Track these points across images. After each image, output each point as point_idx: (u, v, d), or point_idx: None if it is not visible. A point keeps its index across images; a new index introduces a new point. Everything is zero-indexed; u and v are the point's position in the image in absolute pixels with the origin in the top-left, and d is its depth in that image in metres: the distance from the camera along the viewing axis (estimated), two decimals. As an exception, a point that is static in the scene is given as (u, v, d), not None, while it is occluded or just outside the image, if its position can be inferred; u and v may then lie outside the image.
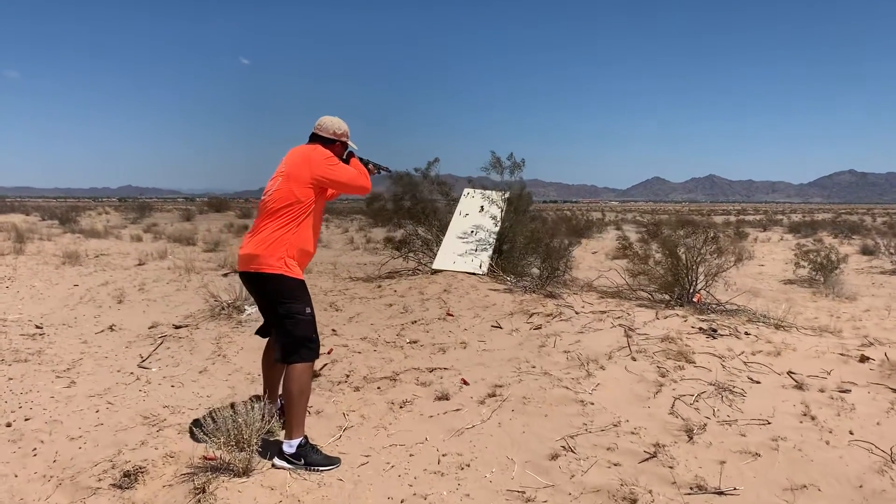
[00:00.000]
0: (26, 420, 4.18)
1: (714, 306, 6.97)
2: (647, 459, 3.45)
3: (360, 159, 4.16)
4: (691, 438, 3.64)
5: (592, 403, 4.15)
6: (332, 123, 3.93)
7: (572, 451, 3.57)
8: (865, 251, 20.03)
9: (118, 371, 5.33)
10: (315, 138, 3.92)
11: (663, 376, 4.54)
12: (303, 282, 3.69)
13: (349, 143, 4.04)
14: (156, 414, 4.30)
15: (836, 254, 13.89)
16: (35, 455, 3.69)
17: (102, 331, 6.72)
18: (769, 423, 3.81)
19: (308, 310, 3.63)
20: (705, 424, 3.78)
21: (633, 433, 3.73)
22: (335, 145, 3.93)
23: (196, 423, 4.08)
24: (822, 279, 13.05)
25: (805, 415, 3.91)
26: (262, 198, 3.78)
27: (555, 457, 3.52)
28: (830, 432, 3.69)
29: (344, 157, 4.02)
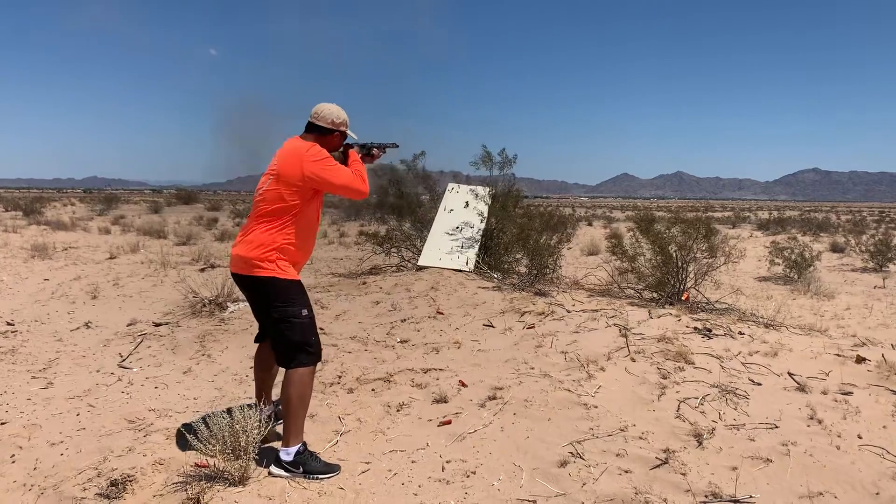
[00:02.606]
0: (2, 424, 3.96)
1: (704, 305, 6.95)
2: (658, 466, 3.35)
3: (362, 145, 3.92)
4: (701, 443, 3.55)
5: (596, 406, 4.05)
6: (331, 111, 3.62)
7: (581, 457, 3.46)
8: (835, 249, 20.38)
9: (98, 371, 5.12)
10: (311, 128, 3.63)
11: (665, 378, 4.46)
12: (298, 282, 3.49)
13: (349, 132, 3.77)
14: (141, 417, 4.11)
15: (809, 251, 14.08)
16: (13, 462, 3.48)
17: (78, 328, 6.47)
18: (777, 427, 3.74)
19: (304, 311, 3.44)
20: (713, 429, 3.70)
21: (641, 438, 3.64)
22: (333, 136, 3.65)
23: (186, 427, 3.89)
24: (796, 276, 13.20)
25: (812, 418, 3.86)
26: (255, 195, 3.56)
27: (563, 464, 3.40)
28: (839, 436, 3.63)
29: (342, 149, 3.80)
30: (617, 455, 3.46)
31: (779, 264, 13.92)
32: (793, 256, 13.59)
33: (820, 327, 6.80)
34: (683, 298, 7.07)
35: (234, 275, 3.53)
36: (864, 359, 4.96)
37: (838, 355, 5.04)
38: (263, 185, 3.49)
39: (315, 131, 3.62)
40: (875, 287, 12.62)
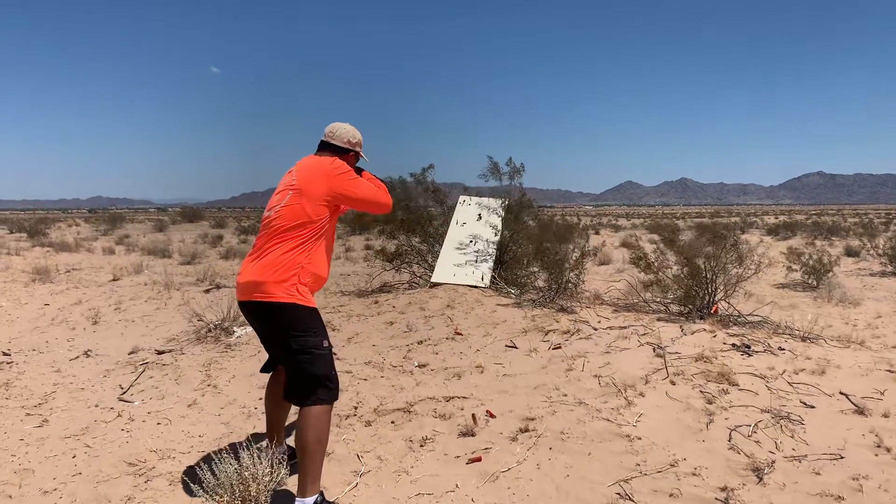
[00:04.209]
0: (-9, 470, 3.63)
1: (735, 318, 6.59)
2: (718, 508, 3.00)
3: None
4: (761, 479, 3.20)
5: (640, 438, 3.69)
6: (346, 131, 3.43)
7: (630, 499, 3.10)
8: (850, 253, 19.97)
9: (96, 406, 4.78)
10: (326, 147, 3.41)
11: (710, 403, 4.11)
12: (316, 310, 3.18)
13: (362, 154, 3.56)
14: (142, 460, 3.76)
15: (828, 257, 13.71)
16: (2, 515, 3.16)
17: (77, 357, 6.14)
18: (842, 458, 3.39)
19: (325, 343, 3.13)
20: (773, 461, 3.34)
21: (694, 474, 3.28)
22: (349, 156, 3.44)
23: (190, 471, 3.56)
24: (815, 283, 12.84)
25: (879, 446, 3.51)
26: (267, 214, 3.24)
27: (612, 507, 3.05)
28: (914, 468, 3.28)
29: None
30: (671, 496, 3.10)
31: (796, 270, 13.55)
32: (811, 262, 13.22)
33: (856, 338, 6.44)
34: (713, 311, 6.72)
35: (243, 304, 3.20)
36: (920, 375, 4.61)
37: (890, 371, 4.69)
38: (280, 202, 3.19)
39: (329, 150, 3.41)
40: (898, 292, 12.24)
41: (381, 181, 3.65)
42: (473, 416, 4.10)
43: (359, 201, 3.32)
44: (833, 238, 28.98)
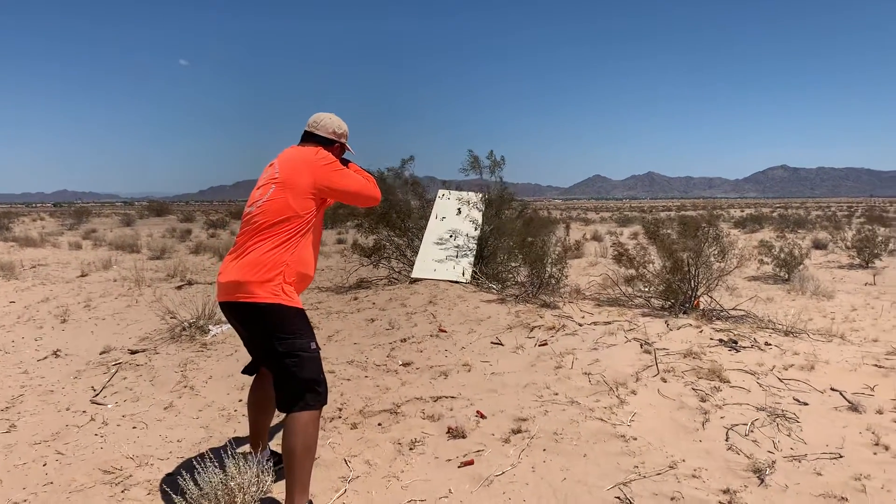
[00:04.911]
0: (-44, 482, 3.41)
1: (718, 312, 6.57)
2: (721, 511, 2.92)
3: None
4: (762, 481, 3.12)
5: (635, 438, 3.60)
6: (332, 121, 3.28)
7: (631, 503, 3.01)
8: (817, 245, 20.26)
9: (67, 409, 4.56)
10: (309, 138, 3.26)
11: (704, 401, 4.04)
12: (302, 311, 3.02)
13: (347, 146, 3.40)
14: (118, 467, 3.57)
15: (799, 250, 13.86)
16: (-33, 532, 2.96)
17: (46, 357, 5.89)
18: (842, 457, 3.33)
19: (313, 345, 2.97)
20: (773, 462, 3.27)
21: (694, 476, 3.20)
22: (334, 147, 3.28)
23: (170, 479, 3.39)
24: (786, 276, 12.96)
25: (877, 444, 3.46)
26: (248, 210, 3.06)
27: (613, 512, 2.96)
28: (914, 466, 3.24)
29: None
30: (672, 499, 3.01)
31: (768, 263, 13.67)
32: (782, 255, 13.34)
33: (837, 332, 6.46)
34: (694, 305, 6.69)
35: (225, 305, 3.02)
36: (907, 370, 4.60)
37: (878, 366, 4.68)
38: (262, 196, 3.01)
39: (313, 141, 3.24)
40: (866, 284, 12.41)
41: (370, 173, 3.51)
42: (479, 412, 3.99)
43: (346, 194, 3.17)
44: (800, 231, 29.41)
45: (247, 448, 3.54)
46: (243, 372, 3.40)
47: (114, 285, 9.69)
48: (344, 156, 3.41)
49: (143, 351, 5.86)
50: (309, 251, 3.06)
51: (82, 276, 11.25)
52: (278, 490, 3.13)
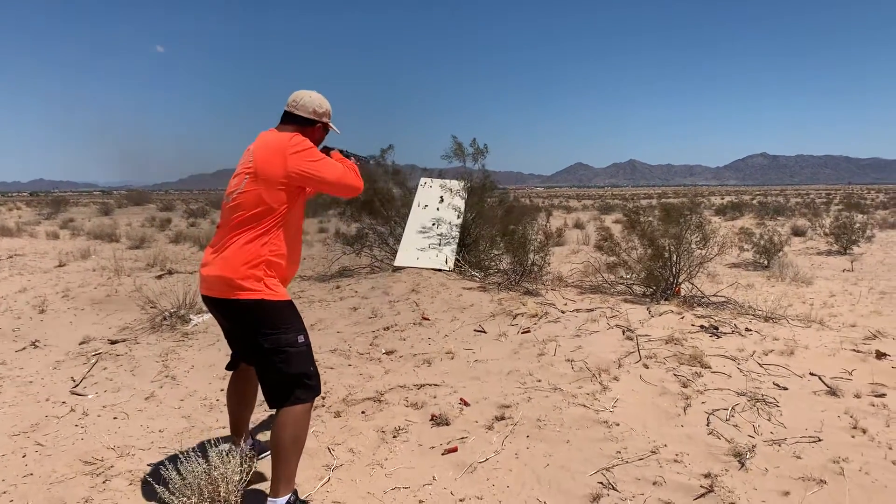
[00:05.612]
0: (-66, 474, 3.36)
1: (699, 299, 6.62)
2: (703, 495, 2.93)
3: (340, 151, 3.40)
4: (743, 464, 3.16)
5: (618, 424, 3.62)
6: (312, 100, 3.07)
7: (614, 488, 3.02)
8: (796, 232, 20.49)
9: (47, 400, 4.49)
10: (289, 119, 3.06)
11: (685, 386, 4.07)
12: (290, 302, 2.91)
13: (331, 125, 3.22)
14: (99, 458, 3.53)
15: (778, 237, 14.00)
16: (-55, 525, 2.92)
17: (24, 348, 5.80)
18: (821, 441, 3.38)
19: (301, 338, 2.86)
20: (754, 446, 3.30)
21: (676, 461, 3.22)
22: (315, 128, 3.09)
23: (152, 470, 3.36)
24: (766, 262, 13.10)
25: (855, 427, 3.51)
26: (225, 200, 2.94)
27: (596, 498, 2.95)
28: (891, 449, 3.28)
29: (323, 149, 3.25)
30: (654, 484, 3.03)
31: (748, 250, 13.80)
32: (762, 242, 13.48)
33: (816, 318, 6.54)
34: (675, 292, 6.73)
35: (207, 298, 2.94)
36: (884, 354, 4.67)
37: (856, 351, 4.75)
38: (237, 187, 2.87)
39: (294, 122, 3.05)
40: (844, 270, 12.56)
41: (358, 159, 3.41)
42: (462, 399, 3.99)
43: (324, 183, 2.97)
44: (779, 218, 29.71)
45: (229, 444, 3.51)
46: (227, 368, 3.34)
47: (92, 275, 9.58)
48: (328, 137, 3.24)
49: (124, 341, 5.80)
50: (291, 241, 2.97)
51: (60, 265, 11.10)
52: (263, 470, 3.11)
